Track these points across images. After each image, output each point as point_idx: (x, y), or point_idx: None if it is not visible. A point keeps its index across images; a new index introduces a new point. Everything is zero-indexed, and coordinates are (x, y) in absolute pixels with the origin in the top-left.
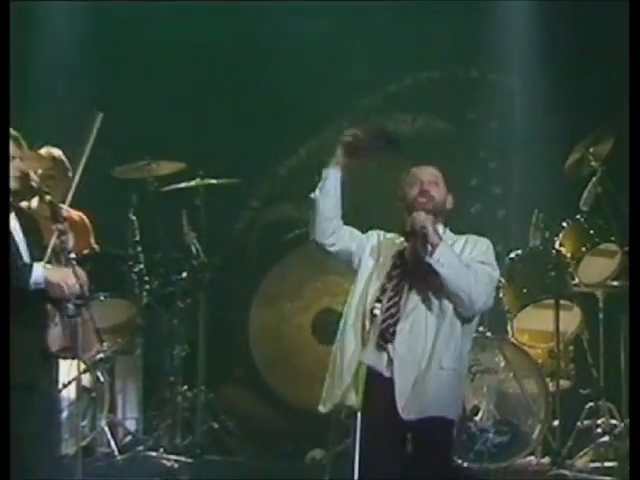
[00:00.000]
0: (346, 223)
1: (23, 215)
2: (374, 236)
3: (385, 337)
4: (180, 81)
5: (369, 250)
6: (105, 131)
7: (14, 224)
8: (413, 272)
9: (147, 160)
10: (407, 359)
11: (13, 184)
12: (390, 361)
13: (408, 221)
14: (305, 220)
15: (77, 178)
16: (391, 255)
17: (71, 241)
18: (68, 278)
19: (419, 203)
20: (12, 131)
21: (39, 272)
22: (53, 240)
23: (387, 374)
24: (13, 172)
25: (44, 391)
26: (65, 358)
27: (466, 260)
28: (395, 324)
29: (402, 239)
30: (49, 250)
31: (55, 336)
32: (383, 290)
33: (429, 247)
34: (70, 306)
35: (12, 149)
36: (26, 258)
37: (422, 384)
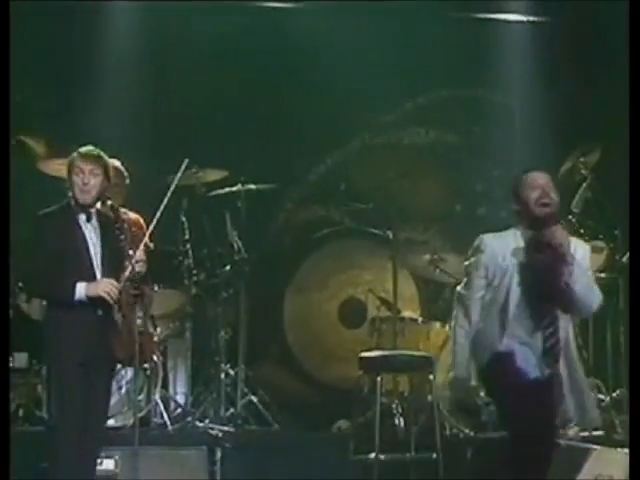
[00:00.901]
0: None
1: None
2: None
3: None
4: (224, 97)
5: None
6: (159, 143)
7: (89, 233)
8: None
9: (195, 169)
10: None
11: (79, 196)
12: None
13: (543, 232)
14: (331, 220)
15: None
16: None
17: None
18: (106, 287)
19: (543, 205)
20: (89, 147)
21: (81, 291)
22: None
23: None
24: (82, 187)
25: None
26: (129, 365)
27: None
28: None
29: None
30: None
31: (118, 345)
32: None
33: (563, 265)
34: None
35: (83, 164)
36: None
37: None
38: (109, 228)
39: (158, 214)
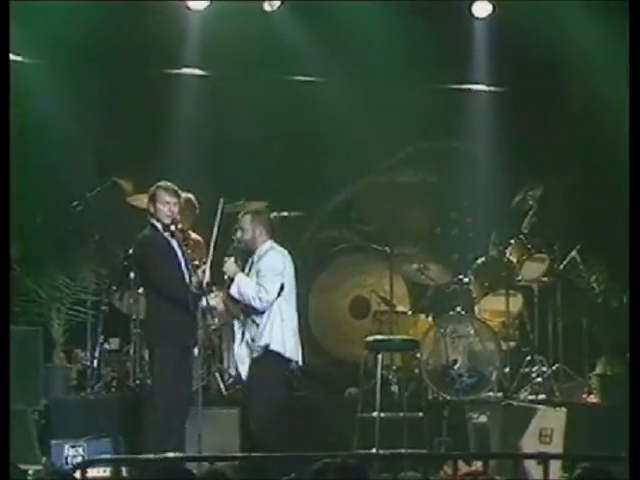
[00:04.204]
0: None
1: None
2: None
3: None
4: (267, 145)
5: None
6: (216, 178)
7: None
8: None
9: (243, 200)
10: None
11: (166, 221)
12: None
13: None
14: (344, 239)
15: (211, 250)
16: None
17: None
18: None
19: None
20: (167, 183)
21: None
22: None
23: None
24: (169, 214)
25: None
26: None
27: None
28: None
29: None
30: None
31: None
32: None
33: None
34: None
35: (167, 197)
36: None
37: None
38: (181, 245)
39: (213, 237)
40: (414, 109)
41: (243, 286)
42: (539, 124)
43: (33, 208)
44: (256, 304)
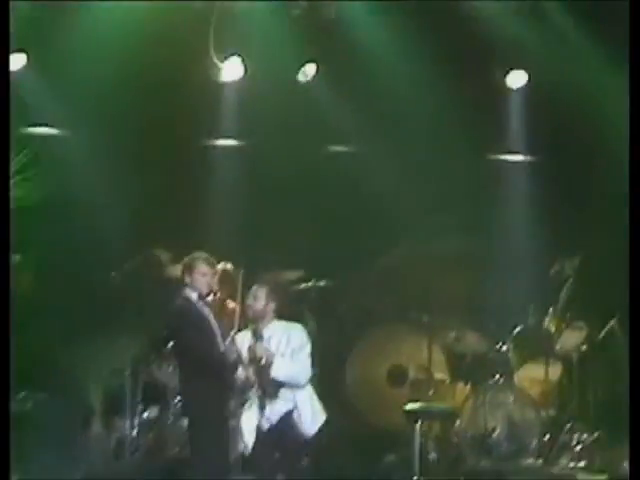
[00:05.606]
0: None
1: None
2: None
3: None
4: (303, 217)
5: None
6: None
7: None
8: None
9: (279, 270)
10: None
11: (204, 291)
12: None
13: None
14: (381, 308)
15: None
16: None
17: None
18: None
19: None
20: (204, 254)
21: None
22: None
23: None
24: (206, 285)
25: None
26: None
27: None
28: None
29: None
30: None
31: None
32: None
33: None
34: None
35: (205, 268)
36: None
37: None
38: (216, 315)
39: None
40: (452, 179)
41: (288, 370)
42: (576, 194)
43: (69, 280)
44: (304, 383)
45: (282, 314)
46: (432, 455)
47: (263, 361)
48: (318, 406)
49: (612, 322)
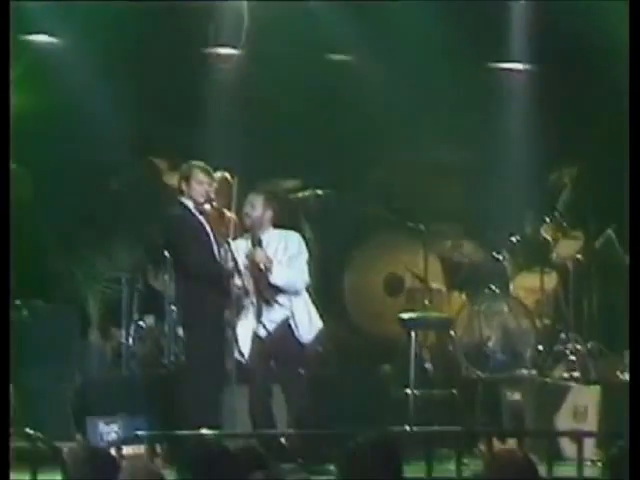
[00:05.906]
0: None
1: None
2: None
3: None
4: (303, 124)
5: None
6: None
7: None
8: None
9: (278, 179)
10: None
11: (200, 200)
12: None
13: None
14: (379, 217)
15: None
16: None
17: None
18: None
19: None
20: (201, 163)
21: None
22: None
23: None
24: (203, 193)
25: None
26: None
27: None
28: None
29: None
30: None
31: None
32: None
33: None
34: None
35: (203, 177)
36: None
37: None
38: (213, 223)
39: (232, 215)
40: (450, 88)
41: (286, 276)
42: (576, 104)
43: (68, 188)
44: (301, 289)
45: (279, 222)
46: (427, 365)
47: (261, 266)
48: (314, 314)
49: (608, 231)
